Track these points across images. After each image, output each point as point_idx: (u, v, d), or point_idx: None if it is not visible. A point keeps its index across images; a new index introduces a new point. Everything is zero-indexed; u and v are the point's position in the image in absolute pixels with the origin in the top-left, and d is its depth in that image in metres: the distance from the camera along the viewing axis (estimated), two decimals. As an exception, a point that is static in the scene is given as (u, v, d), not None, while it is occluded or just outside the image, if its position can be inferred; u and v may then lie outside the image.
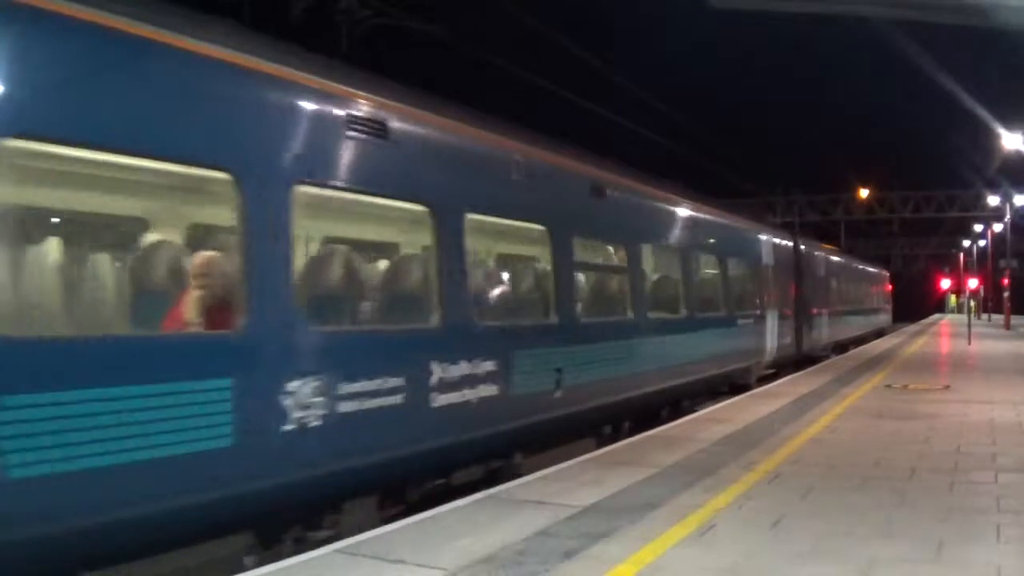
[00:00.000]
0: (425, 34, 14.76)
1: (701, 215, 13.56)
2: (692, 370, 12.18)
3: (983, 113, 23.80)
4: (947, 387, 13.79)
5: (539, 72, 16.54)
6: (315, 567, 4.85)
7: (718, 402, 12.76)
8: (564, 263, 8.78)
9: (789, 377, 16.35)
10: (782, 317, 17.92)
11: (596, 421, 9.64)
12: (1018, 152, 25.82)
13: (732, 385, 14.92)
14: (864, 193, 51.37)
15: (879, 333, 35.67)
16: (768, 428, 9.57)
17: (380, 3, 14.48)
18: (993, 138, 25.72)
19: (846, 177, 54.78)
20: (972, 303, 53.09)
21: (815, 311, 22.15)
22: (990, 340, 30.41)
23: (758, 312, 16.29)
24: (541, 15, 15.33)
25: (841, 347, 25.66)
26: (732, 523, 5.58)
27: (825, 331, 23.51)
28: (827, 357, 22.19)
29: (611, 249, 10.76)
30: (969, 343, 27.07)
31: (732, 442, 8.69)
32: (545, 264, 8.90)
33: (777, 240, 18.78)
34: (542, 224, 8.58)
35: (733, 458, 7.76)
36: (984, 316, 59.15)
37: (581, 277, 9.69)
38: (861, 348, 26.18)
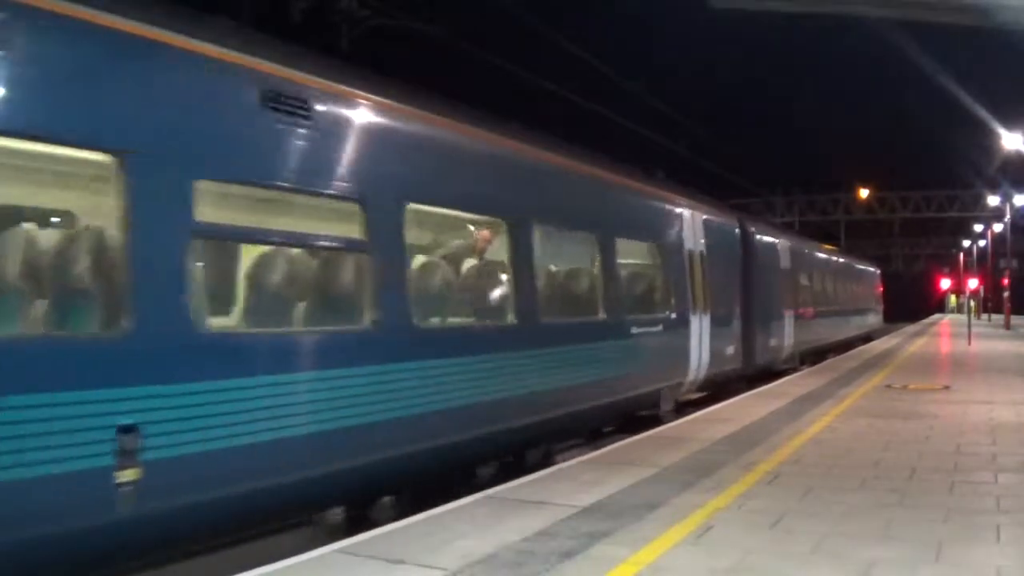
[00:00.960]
0: (425, 34, 14.76)
1: (559, 172, 9.35)
2: (533, 407, 8.19)
3: (983, 113, 23.84)
4: (947, 387, 13.79)
5: (539, 72, 16.56)
6: (315, 567, 4.85)
7: (591, 451, 8.80)
8: (169, 228, 4.91)
9: (789, 377, 16.34)
10: (720, 321, 13.73)
11: (280, 509, 5.72)
12: (1018, 152, 25.84)
13: (631, 418, 10.98)
14: (864, 193, 51.56)
15: (867, 337, 31.37)
16: (768, 428, 9.57)
17: (380, 3, 14.48)
18: (993, 138, 25.76)
19: (846, 177, 54.87)
20: (972, 303, 53.08)
21: (776, 313, 17.92)
22: (990, 340, 30.41)
23: (673, 315, 11.81)
24: (541, 15, 15.34)
25: (817, 355, 22.02)
26: (732, 524, 5.58)
27: (790, 337, 18.92)
28: (794, 369, 18.62)
29: (332, 211, 6.50)
30: (969, 343, 27.07)
31: (732, 442, 8.70)
32: (101, 228, 4.98)
33: (713, 220, 14.14)
34: (105, 152, 4.68)
35: (733, 458, 7.76)
36: (984, 316, 59.17)
37: (231, 256, 6.20)
38: (859, 349, 26.11)
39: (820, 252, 25.87)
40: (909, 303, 72.37)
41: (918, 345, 27.62)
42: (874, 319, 35.54)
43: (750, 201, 45.39)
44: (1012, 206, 42.10)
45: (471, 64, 15.49)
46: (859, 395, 12.81)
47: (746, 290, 15.70)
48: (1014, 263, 44.49)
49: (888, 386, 14.05)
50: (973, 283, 51.22)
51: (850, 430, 9.44)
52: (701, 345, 12.82)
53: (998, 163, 33.18)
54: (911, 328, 44.82)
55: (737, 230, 15.84)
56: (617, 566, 4.71)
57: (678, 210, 12.66)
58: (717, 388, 14.16)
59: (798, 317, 19.76)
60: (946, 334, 35.98)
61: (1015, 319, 45.13)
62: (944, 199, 52.56)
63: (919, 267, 74.49)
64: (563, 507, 5.99)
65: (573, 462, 7.87)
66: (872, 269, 38.18)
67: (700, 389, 13.47)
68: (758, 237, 17.17)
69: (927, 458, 7.73)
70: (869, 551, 4.91)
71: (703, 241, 13.28)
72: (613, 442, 9.24)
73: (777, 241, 19.12)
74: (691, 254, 12.74)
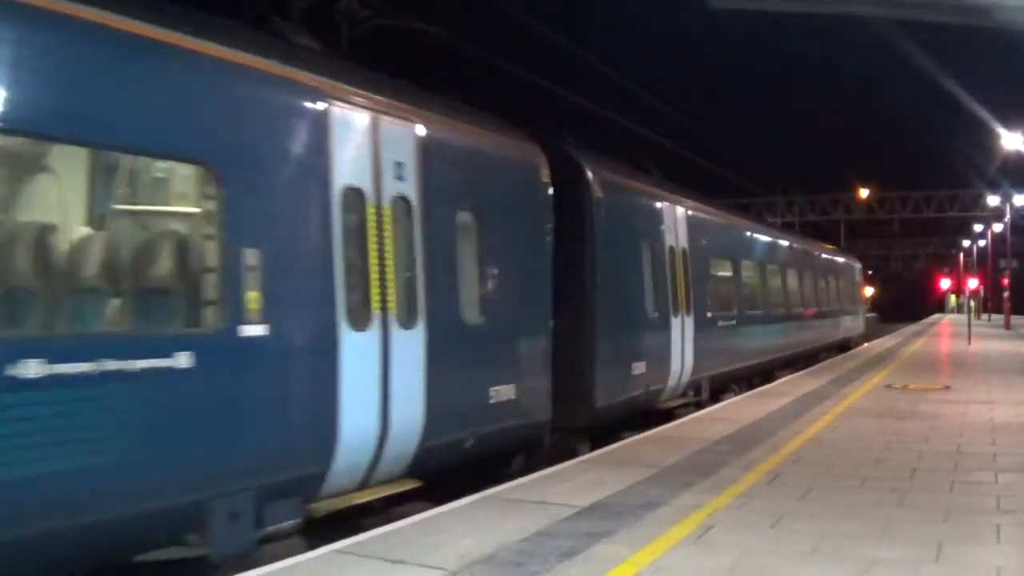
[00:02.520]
0: (425, 34, 14.78)
1: None
2: None
3: (983, 113, 23.85)
4: (947, 387, 13.79)
5: (539, 72, 16.57)
6: (315, 567, 4.85)
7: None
8: None
9: (789, 377, 16.31)
10: (462, 338, 7.31)
11: None
12: (1018, 152, 25.84)
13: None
14: (864, 193, 51.53)
15: (842, 346, 25.38)
16: (768, 428, 9.57)
17: (380, 3, 14.50)
18: (993, 138, 25.77)
19: (846, 177, 54.88)
20: (972, 303, 53.11)
21: (652, 319, 11.16)
22: (990, 340, 30.41)
23: (259, 334, 5.33)
24: (541, 15, 15.36)
25: (751, 377, 15.66)
26: (732, 523, 5.58)
27: (685, 357, 11.98)
28: (698, 406, 12.38)
29: None
30: (969, 343, 27.07)
31: (732, 442, 8.69)
32: None
33: (451, 142, 7.47)
34: None
35: (733, 458, 7.76)
36: (984, 316, 59.20)
37: None
38: (859, 349, 26.00)
39: (757, 232, 18.72)
40: (909, 303, 72.45)
41: (918, 345, 27.62)
42: (852, 323, 28.04)
43: (750, 201, 45.40)
44: (1012, 206, 42.16)
45: (471, 64, 15.50)
46: (859, 395, 12.81)
47: (573, 280, 9.19)
48: (1014, 263, 44.47)
49: (888, 386, 14.05)
50: (973, 283, 51.25)
51: (850, 430, 9.43)
52: (388, 393, 6.23)
53: (998, 163, 33.18)
54: (911, 328, 44.85)
55: (543, 172, 8.66)
56: (617, 566, 4.71)
57: (310, 107, 5.98)
58: (476, 469, 7.43)
59: (705, 324, 12.95)
60: (946, 334, 35.99)
61: (1015, 319, 45.14)
62: (944, 199, 52.53)
63: (919, 267, 74.53)
64: (563, 507, 5.98)
65: (573, 462, 7.86)
66: (849, 262, 30.50)
67: (412, 474, 6.63)
68: (608, 193, 9.96)
69: (927, 458, 7.73)
70: (869, 551, 4.91)
71: (413, 181, 6.65)
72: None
73: (661, 206, 11.95)
74: (353, 204, 6.13)
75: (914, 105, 72.91)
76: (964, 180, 49.93)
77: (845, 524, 5.50)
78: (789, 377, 16.30)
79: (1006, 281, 45.32)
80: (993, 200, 44.33)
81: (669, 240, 12.00)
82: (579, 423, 9.26)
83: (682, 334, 11.98)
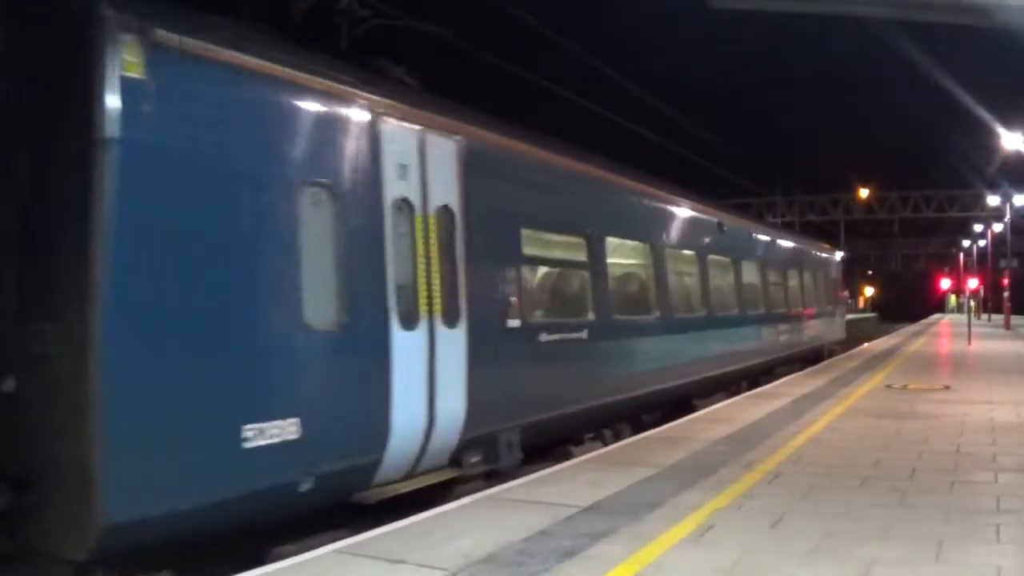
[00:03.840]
0: (426, 34, 14.78)
1: None
2: None
3: (983, 113, 23.86)
4: (947, 387, 13.79)
5: (540, 72, 16.56)
6: (315, 567, 4.85)
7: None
8: None
9: (789, 377, 16.31)
10: None
11: None
12: (1018, 152, 25.84)
13: None
14: (864, 193, 51.51)
15: (813, 357, 20.72)
16: (768, 428, 9.57)
17: (380, 3, 14.50)
18: (993, 138, 25.77)
19: (846, 177, 54.82)
20: (972, 303, 53.10)
21: (335, 334, 5.91)
22: (990, 340, 30.39)
23: None
24: (541, 15, 15.35)
25: (652, 410, 11.32)
26: (732, 523, 5.58)
27: (439, 399, 6.79)
28: (493, 475, 7.64)
29: None
30: (969, 343, 27.06)
31: (732, 442, 8.69)
32: None
33: None
34: None
35: (733, 458, 7.76)
36: (984, 316, 59.20)
37: None
38: (859, 348, 25.97)
39: (649, 200, 12.07)
40: (909, 303, 72.48)
41: (918, 345, 27.61)
42: (825, 327, 22.84)
43: (750, 201, 45.40)
44: (1012, 206, 42.11)
45: (471, 64, 15.49)
46: (859, 395, 12.80)
47: (56, 252, 4.81)
48: (1014, 263, 44.46)
49: (888, 386, 14.04)
50: (973, 283, 51.25)
51: (850, 430, 9.43)
52: None
53: (998, 163, 33.19)
54: (911, 328, 44.85)
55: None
56: (617, 565, 4.72)
57: None
58: None
59: (504, 340, 7.87)
60: (946, 334, 35.98)
61: (1015, 319, 45.12)
62: (944, 199, 52.50)
63: (919, 267, 74.54)
64: (563, 507, 5.99)
65: (573, 462, 7.87)
66: (822, 252, 24.40)
67: None
68: (183, 76, 5.01)
69: (927, 458, 7.73)
70: (869, 550, 4.91)
71: None
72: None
73: (380, 128, 6.49)
74: None
75: (914, 105, 72.76)
76: (964, 180, 49.90)
77: (845, 524, 5.51)
78: (789, 377, 16.30)
79: (1006, 281, 45.30)
80: (993, 200, 44.32)
81: (398, 190, 6.65)
82: (78, 550, 4.62)
83: (430, 359, 6.78)
